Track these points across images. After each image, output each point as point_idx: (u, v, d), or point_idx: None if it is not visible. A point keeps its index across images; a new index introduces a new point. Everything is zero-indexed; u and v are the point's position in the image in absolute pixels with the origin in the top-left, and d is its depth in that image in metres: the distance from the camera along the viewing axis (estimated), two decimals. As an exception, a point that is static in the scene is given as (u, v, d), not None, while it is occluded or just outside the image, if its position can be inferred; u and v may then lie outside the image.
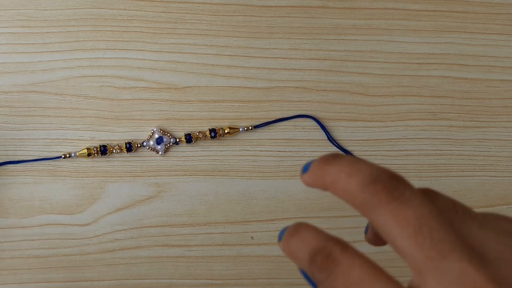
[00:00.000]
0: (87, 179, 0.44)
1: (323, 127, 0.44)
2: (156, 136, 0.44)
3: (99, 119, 0.44)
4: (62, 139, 0.44)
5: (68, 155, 0.43)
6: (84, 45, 0.44)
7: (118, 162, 0.44)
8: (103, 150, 0.43)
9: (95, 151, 0.43)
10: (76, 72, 0.44)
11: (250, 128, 0.44)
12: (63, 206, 0.44)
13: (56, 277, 0.44)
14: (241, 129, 0.44)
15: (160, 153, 0.44)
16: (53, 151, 0.44)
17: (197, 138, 0.44)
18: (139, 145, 0.44)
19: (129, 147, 0.44)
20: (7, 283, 0.43)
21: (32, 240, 0.44)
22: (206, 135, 0.44)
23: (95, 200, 0.44)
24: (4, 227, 0.43)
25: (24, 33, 0.44)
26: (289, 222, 0.45)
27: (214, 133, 0.44)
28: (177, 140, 0.44)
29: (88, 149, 0.43)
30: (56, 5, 0.44)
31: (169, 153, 0.44)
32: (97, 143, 0.44)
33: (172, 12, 0.45)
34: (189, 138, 0.44)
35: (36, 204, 0.43)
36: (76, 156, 0.43)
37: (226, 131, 0.44)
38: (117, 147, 0.43)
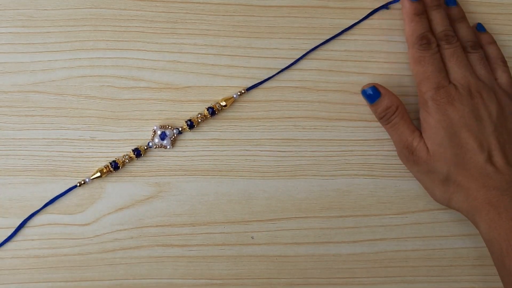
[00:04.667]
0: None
1: None
2: (159, 132, 0.44)
3: (99, 119, 0.44)
4: (62, 139, 0.44)
5: (83, 182, 0.43)
6: (85, 45, 0.44)
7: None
8: (115, 166, 0.43)
9: (107, 170, 0.43)
10: (76, 72, 0.44)
11: (243, 91, 0.44)
12: (63, 205, 0.44)
13: (56, 277, 0.44)
14: (235, 96, 0.44)
15: (168, 147, 0.44)
16: (53, 151, 0.44)
17: (198, 121, 0.44)
18: (146, 148, 0.44)
19: (138, 153, 0.43)
20: (7, 283, 0.43)
21: (32, 240, 0.44)
22: (205, 115, 0.44)
23: (95, 199, 0.44)
24: (4, 227, 0.43)
25: (24, 33, 0.44)
26: (289, 222, 0.45)
27: (212, 110, 0.44)
28: (180, 129, 0.44)
29: (101, 171, 0.43)
30: (57, 4, 0.44)
31: (176, 148, 0.45)
32: (97, 143, 0.44)
33: (172, 12, 0.45)
34: (190, 124, 0.44)
35: (36, 204, 0.43)
36: (90, 181, 0.43)
37: (222, 104, 0.44)
38: (126, 157, 0.43)
